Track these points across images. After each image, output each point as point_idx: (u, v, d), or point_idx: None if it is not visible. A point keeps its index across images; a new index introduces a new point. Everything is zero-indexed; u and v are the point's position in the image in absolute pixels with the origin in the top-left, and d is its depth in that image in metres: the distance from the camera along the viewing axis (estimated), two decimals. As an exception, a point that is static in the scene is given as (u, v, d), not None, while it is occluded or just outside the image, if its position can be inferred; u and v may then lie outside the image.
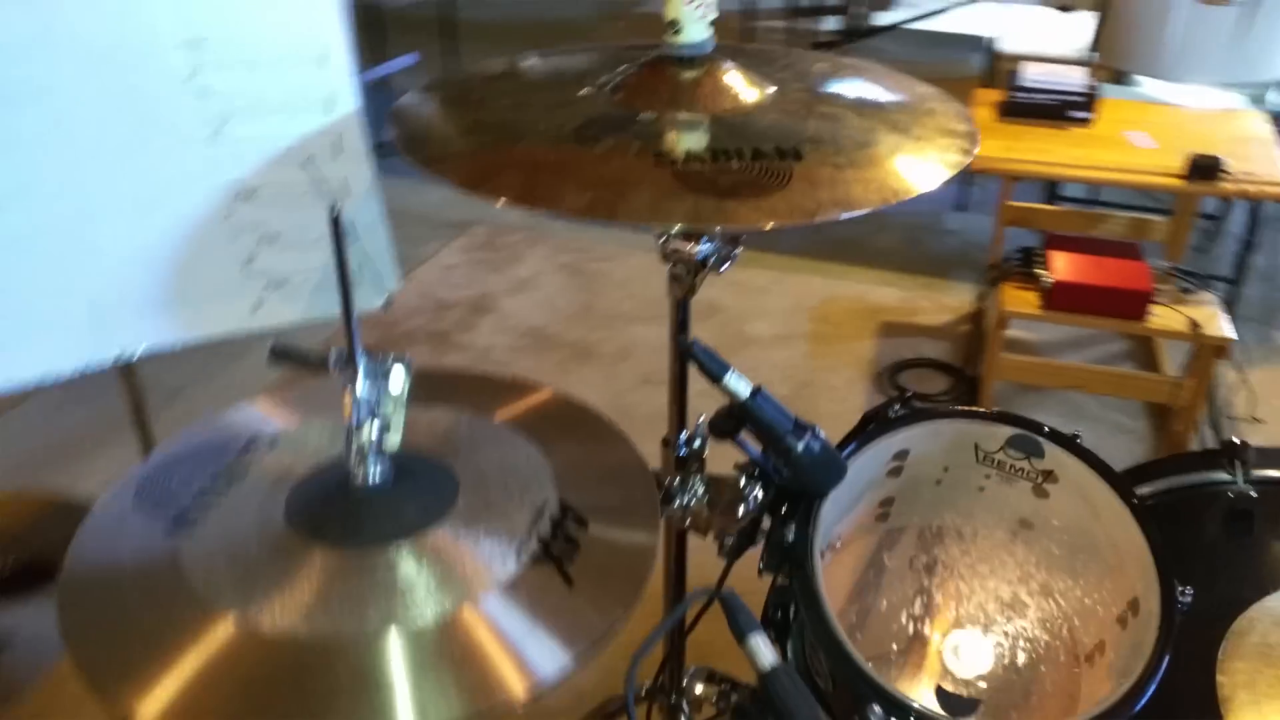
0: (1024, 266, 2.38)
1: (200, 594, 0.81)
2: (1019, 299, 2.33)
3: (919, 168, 0.99)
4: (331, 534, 0.85)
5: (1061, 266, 2.31)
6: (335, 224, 0.85)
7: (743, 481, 1.13)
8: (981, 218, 3.62)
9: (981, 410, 1.31)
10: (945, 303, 3.14)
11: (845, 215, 0.90)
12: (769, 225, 0.89)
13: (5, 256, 1.10)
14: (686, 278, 1.09)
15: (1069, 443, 1.25)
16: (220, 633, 0.79)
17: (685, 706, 1.37)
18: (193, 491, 0.90)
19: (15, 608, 1.04)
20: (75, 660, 0.79)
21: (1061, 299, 2.28)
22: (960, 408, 1.32)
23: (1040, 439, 1.26)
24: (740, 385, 1.05)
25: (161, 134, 1.15)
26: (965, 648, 1.29)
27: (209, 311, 1.20)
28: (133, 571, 0.84)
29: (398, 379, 0.86)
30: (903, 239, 3.53)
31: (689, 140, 1.01)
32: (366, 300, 1.25)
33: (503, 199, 0.92)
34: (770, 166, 0.96)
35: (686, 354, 1.05)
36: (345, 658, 0.78)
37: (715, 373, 1.05)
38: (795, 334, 3.00)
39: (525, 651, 0.79)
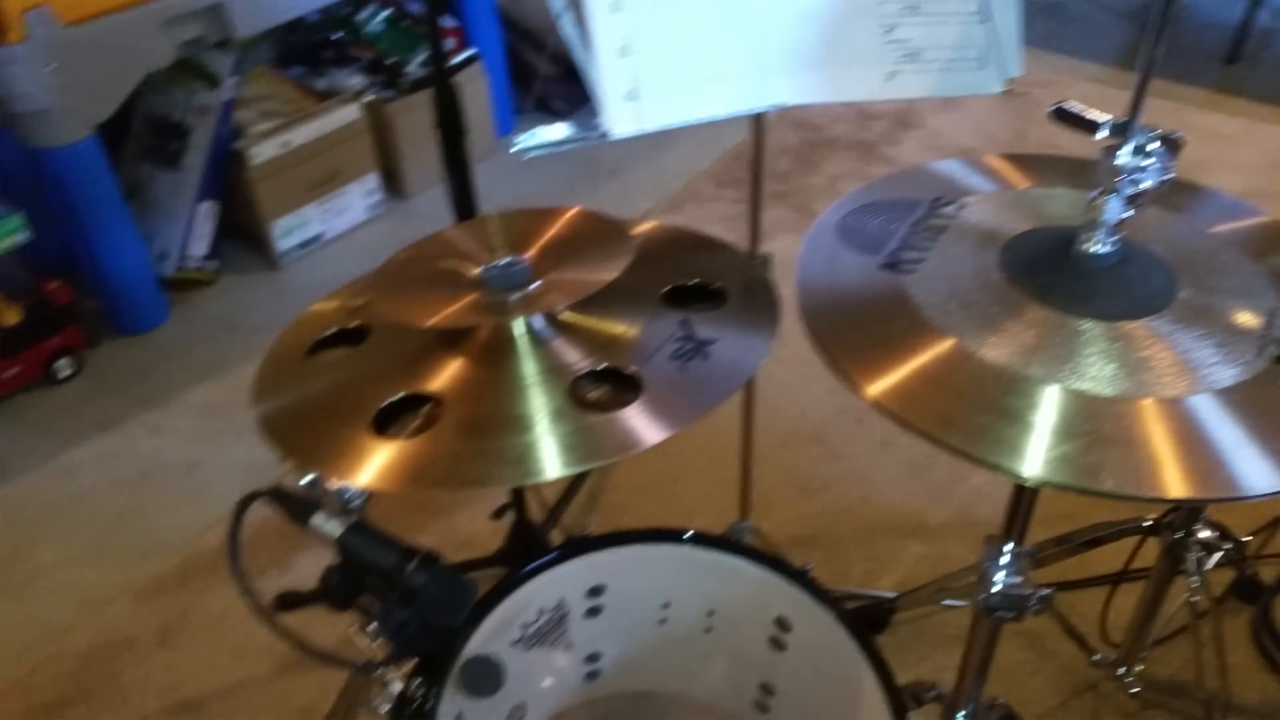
0: None
1: (927, 318, 0.91)
2: None
3: None
4: (1049, 292, 0.93)
5: None
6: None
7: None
8: None
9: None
10: None
11: None
12: None
13: (689, 12, 1.21)
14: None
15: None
16: (942, 348, 0.90)
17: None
18: (899, 236, 0.99)
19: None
20: (823, 349, 0.92)
21: None
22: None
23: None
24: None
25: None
26: None
27: (846, 76, 1.26)
28: (859, 295, 0.96)
29: (1160, 162, 0.89)
30: None
31: None
32: (984, 83, 1.27)
33: None
34: None
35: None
36: (1025, 393, 0.86)
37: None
38: (1267, 192, 2.79)
39: (1228, 458, 0.83)
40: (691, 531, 1.12)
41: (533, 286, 1.11)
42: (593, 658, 1.20)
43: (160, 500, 2.20)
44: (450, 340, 1.12)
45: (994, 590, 1.11)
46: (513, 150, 1.22)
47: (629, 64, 1.19)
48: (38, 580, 2.04)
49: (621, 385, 1.05)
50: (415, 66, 2.92)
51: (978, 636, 1.18)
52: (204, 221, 2.70)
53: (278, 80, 2.86)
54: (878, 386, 0.87)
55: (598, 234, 1.17)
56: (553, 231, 1.19)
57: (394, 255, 1.20)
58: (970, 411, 0.83)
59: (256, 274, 2.80)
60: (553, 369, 1.07)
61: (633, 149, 3.07)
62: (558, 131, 1.19)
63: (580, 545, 1.10)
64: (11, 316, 2.39)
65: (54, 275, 2.49)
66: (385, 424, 1.05)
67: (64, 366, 2.48)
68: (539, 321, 1.12)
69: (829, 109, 3.20)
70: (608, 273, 1.08)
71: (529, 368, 1.07)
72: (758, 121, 1.29)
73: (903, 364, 0.88)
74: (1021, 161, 1.19)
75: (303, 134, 2.70)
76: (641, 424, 0.98)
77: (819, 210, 1.13)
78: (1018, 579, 1.11)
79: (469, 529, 2.03)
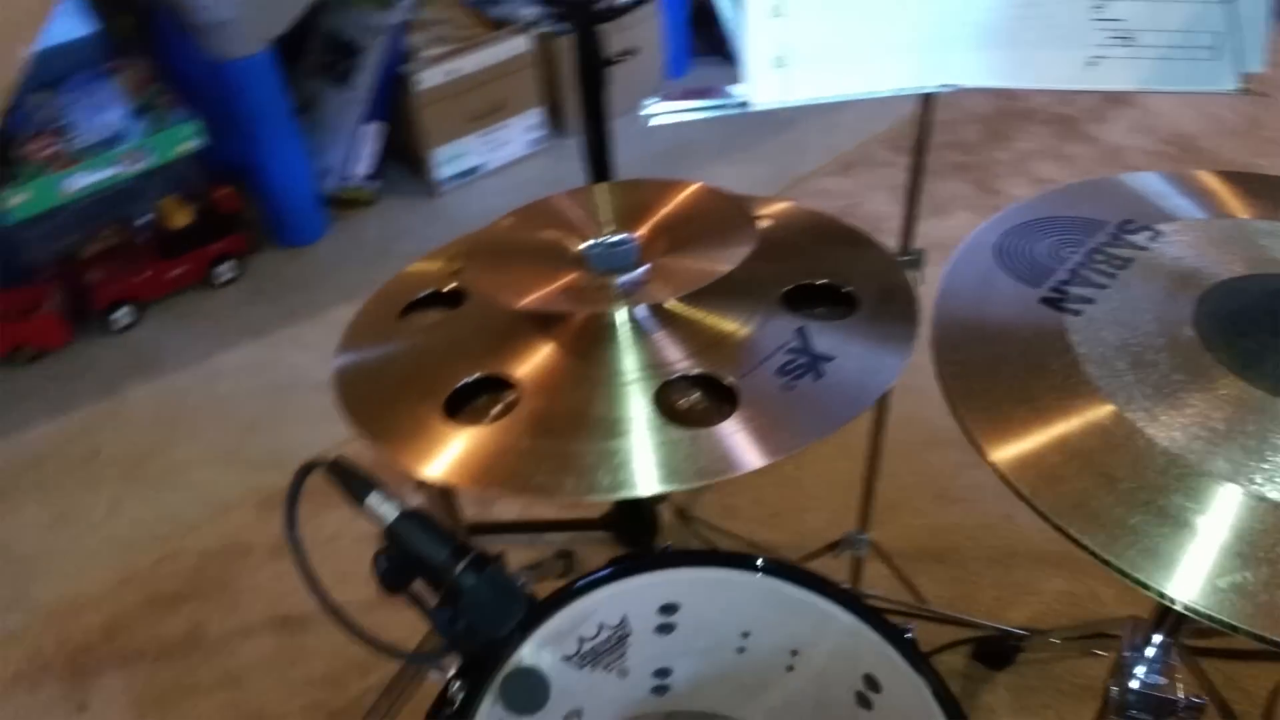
0: None
1: (1087, 374, 0.72)
2: None
3: None
4: (1253, 363, 0.72)
5: None
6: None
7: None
8: None
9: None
10: None
11: None
12: None
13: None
14: None
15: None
16: (1098, 416, 0.70)
17: None
18: (1067, 266, 0.81)
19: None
20: (947, 391, 0.75)
21: None
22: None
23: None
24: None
25: None
26: None
27: (1038, 58, 1.05)
28: (1007, 331, 0.78)
29: None
30: None
31: None
32: (1212, 78, 1.04)
33: None
34: None
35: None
36: (1198, 494, 0.66)
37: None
38: None
39: None
40: (769, 562, 0.97)
41: (639, 271, 0.98)
42: (662, 673, 1.08)
43: (294, 413, 2.18)
44: (543, 321, 1.00)
45: (1131, 687, 0.93)
46: (643, 115, 1.08)
47: (780, 26, 1.03)
48: (173, 476, 2.06)
49: (718, 396, 0.90)
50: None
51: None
52: (369, 142, 2.65)
53: (453, 5, 2.77)
54: (1006, 451, 0.69)
55: (719, 215, 1.02)
56: (669, 208, 1.04)
57: (498, 221, 1.08)
58: (1119, 505, 0.64)
59: (415, 200, 2.74)
60: (648, 367, 0.93)
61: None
62: (688, 103, 1.04)
63: (650, 561, 0.97)
64: (182, 219, 2.41)
65: (224, 183, 2.50)
66: (459, 405, 0.94)
67: (225, 271, 2.50)
68: (641, 312, 0.98)
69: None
70: (724, 263, 0.94)
71: (621, 363, 0.94)
72: (927, 101, 1.11)
73: (1044, 428, 0.69)
74: (1245, 182, 0.95)
75: (471, 62, 2.61)
76: (732, 446, 0.84)
77: (1002, 189, 0.95)
78: (1162, 680, 0.92)
79: (582, 487, 1.93)
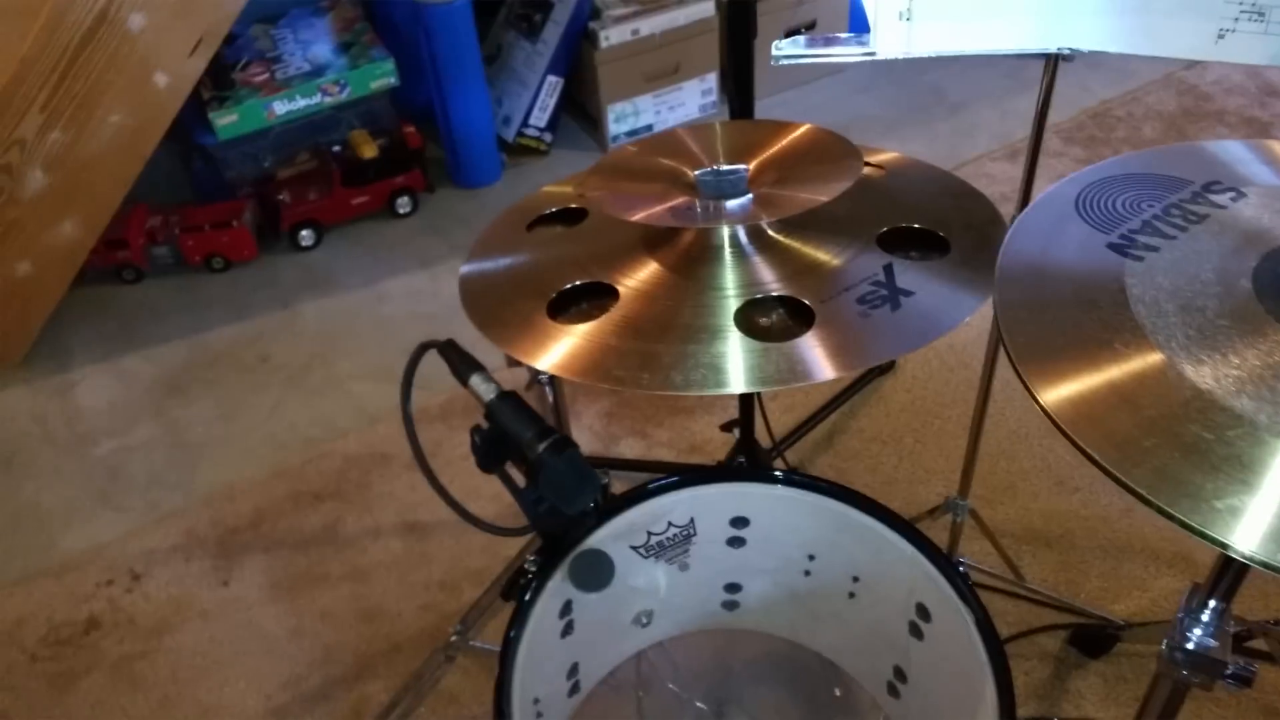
0: None
1: (1141, 322, 0.75)
2: None
3: None
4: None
5: None
6: None
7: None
8: None
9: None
10: None
11: None
12: None
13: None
14: None
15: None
16: (1146, 364, 0.73)
17: None
18: (1142, 216, 0.83)
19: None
20: (1004, 329, 0.79)
21: None
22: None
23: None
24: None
25: None
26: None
27: (1167, 26, 1.06)
28: (1072, 273, 0.81)
29: None
30: None
31: None
32: None
33: None
34: None
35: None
36: (1225, 448, 0.67)
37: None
38: None
39: None
40: (834, 486, 1.02)
41: (746, 198, 1.05)
42: (732, 587, 1.15)
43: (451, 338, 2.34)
44: (653, 239, 1.08)
45: (1186, 645, 0.94)
46: (772, 55, 1.15)
47: (908, -21, 1.07)
48: (331, 386, 2.25)
49: (800, 317, 0.97)
50: (779, -29, 2.83)
51: (1158, 693, 1.02)
52: (549, 94, 2.79)
53: (645, -32, 2.88)
54: (1057, 396, 0.72)
55: (827, 153, 1.07)
56: (782, 144, 1.11)
57: (623, 146, 1.17)
58: (1159, 445, 0.66)
59: (586, 153, 2.87)
60: (741, 286, 1.00)
61: (983, 85, 2.83)
62: (816, 49, 1.10)
63: (723, 472, 1.04)
64: (370, 151, 2.61)
65: (411, 122, 2.69)
66: (562, 307, 1.04)
67: (404, 204, 2.69)
68: (742, 235, 1.06)
69: (1225, 76, 2.77)
70: (823, 194, 0.99)
71: (715, 280, 1.01)
72: (1051, 65, 1.12)
73: (1094, 373, 0.72)
74: None
75: (654, 24, 2.71)
76: (800, 359, 0.90)
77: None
78: (1213, 643, 0.93)
79: (703, 435, 2.01)
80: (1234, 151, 0.90)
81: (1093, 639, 1.58)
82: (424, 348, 1.05)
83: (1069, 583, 1.69)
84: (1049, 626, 1.61)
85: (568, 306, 1.04)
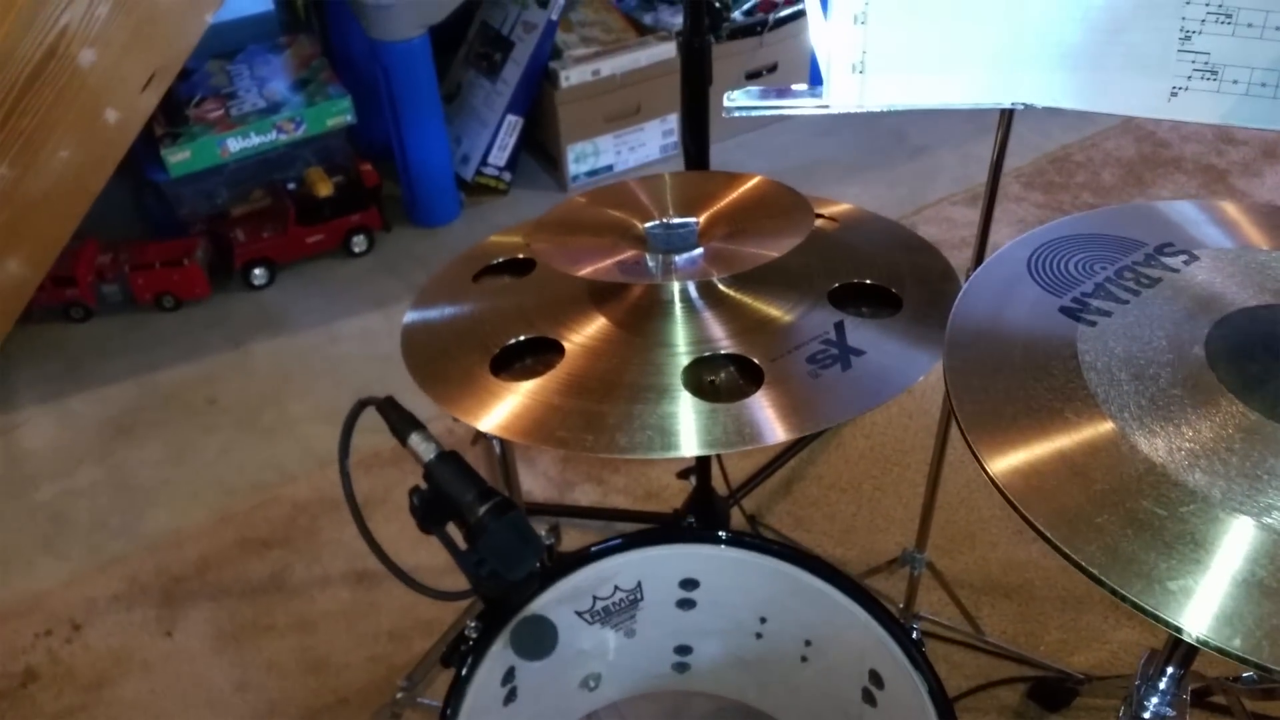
0: None
1: (1093, 391, 0.73)
2: None
3: None
4: (1255, 388, 0.72)
5: None
6: None
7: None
8: None
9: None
10: None
11: None
12: None
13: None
14: None
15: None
16: (1098, 434, 0.71)
17: None
18: (1095, 279, 0.82)
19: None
20: (953, 391, 0.77)
21: None
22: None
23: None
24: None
25: None
26: None
27: (1121, 84, 1.05)
28: (1024, 338, 0.79)
29: None
30: None
31: None
32: (1269, 114, 1.02)
33: None
34: None
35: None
36: (1178, 525, 0.66)
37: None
38: None
39: None
40: (786, 548, 1.00)
41: (696, 252, 1.03)
42: (683, 649, 1.12)
43: (402, 383, 2.30)
44: (600, 294, 1.06)
45: (1143, 716, 0.92)
46: (725, 106, 1.13)
47: (860, 34, 1.06)
48: (282, 428, 2.21)
49: (748, 375, 0.95)
50: (740, 14, 2.85)
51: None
52: (509, 134, 2.78)
53: (607, 9, 2.88)
54: (1003, 466, 0.70)
55: (779, 206, 1.06)
56: (733, 197, 1.09)
57: (572, 198, 1.14)
58: (1110, 521, 0.64)
59: (545, 193, 2.85)
60: (689, 343, 0.98)
61: (944, 129, 2.85)
62: (768, 100, 1.09)
63: (672, 533, 1.01)
64: (325, 189, 2.57)
65: (367, 159, 2.66)
66: (506, 363, 1.01)
67: (359, 242, 2.65)
68: (692, 290, 1.03)
69: (1182, 123, 2.81)
70: (774, 250, 0.98)
71: (662, 337, 0.99)
72: (1006, 117, 1.12)
73: (1035, 441, 0.70)
74: (1272, 217, 0.95)
75: (615, 64, 2.71)
76: (747, 421, 0.88)
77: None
78: (1170, 712, 0.91)
79: (660, 482, 1.98)
80: (1186, 213, 0.90)
81: (1052, 692, 1.56)
82: (361, 405, 1.01)
83: (1028, 634, 1.67)
84: (1008, 679, 1.59)
85: (511, 362, 1.01)
